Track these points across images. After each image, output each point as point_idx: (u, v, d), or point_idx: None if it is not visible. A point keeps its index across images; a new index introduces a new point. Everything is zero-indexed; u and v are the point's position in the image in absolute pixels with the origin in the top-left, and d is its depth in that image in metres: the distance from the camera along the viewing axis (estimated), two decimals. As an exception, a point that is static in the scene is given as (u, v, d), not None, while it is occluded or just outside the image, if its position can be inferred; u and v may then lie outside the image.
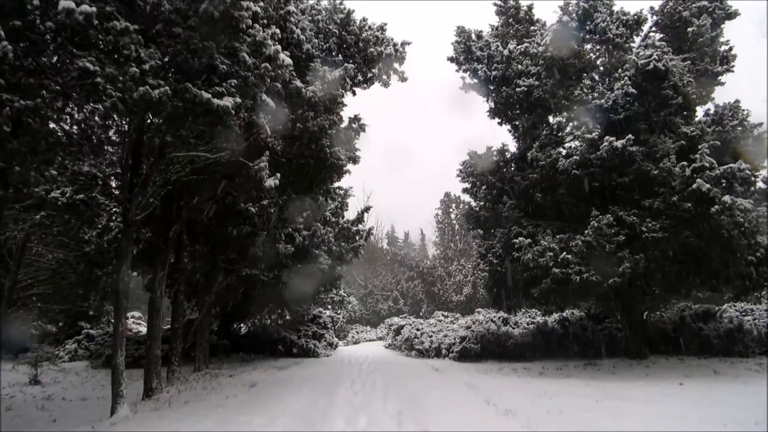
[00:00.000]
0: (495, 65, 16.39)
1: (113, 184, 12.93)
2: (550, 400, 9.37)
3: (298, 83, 10.35)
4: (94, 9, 6.43)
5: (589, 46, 16.22)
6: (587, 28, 15.59)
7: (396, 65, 13.03)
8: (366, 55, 12.58)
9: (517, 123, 17.28)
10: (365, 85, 13.08)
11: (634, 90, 13.96)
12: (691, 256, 13.52)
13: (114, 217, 14.70)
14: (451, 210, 53.40)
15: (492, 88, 16.75)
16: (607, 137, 13.55)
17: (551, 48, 15.15)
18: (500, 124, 17.50)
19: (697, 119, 15.03)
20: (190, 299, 19.32)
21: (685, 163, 13.00)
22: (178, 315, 14.07)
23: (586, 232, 13.36)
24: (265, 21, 8.97)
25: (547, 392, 10.15)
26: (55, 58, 7.18)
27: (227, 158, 9.42)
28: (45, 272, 16.51)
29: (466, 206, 21.65)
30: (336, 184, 15.17)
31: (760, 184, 13.86)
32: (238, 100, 7.80)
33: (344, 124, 12.71)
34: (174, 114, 7.53)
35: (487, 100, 17.27)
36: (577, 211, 15.12)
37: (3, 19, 6.34)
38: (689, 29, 15.19)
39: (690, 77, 14.16)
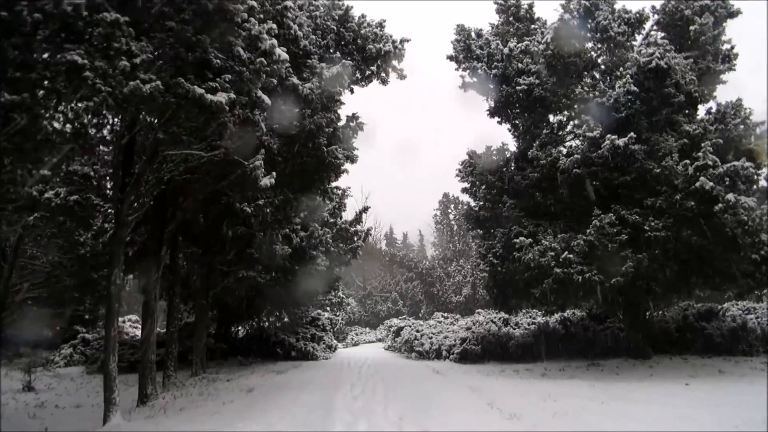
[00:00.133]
0: (495, 63, 16.19)
1: (108, 185, 12.71)
2: (554, 403, 9.16)
3: (295, 80, 10.12)
4: (83, -1, 6.22)
5: (590, 45, 16.06)
6: (588, 26, 15.41)
7: (395, 63, 12.81)
8: (364, 52, 12.37)
9: (517, 122, 17.09)
10: (363, 83, 12.86)
11: (636, 88, 13.79)
12: (694, 255, 13.36)
13: (109, 219, 14.44)
14: (449, 211, 53.24)
15: (492, 86, 16.55)
16: (608, 135, 13.37)
17: (552, 46, 14.98)
18: (500, 123, 17.31)
19: (699, 117, 14.89)
20: (187, 302, 19.08)
21: (687, 161, 12.84)
22: (174, 318, 13.80)
23: (588, 231, 13.19)
24: (262, 16, 8.74)
25: (551, 394, 9.93)
26: (46, 55, 6.94)
27: (222, 157, 9.18)
28: (39, 275, 16.24)
29: (465, 206, 21.49)
30: (334, 184, 14.95)
31: (762, 183, 13.71)
32: (233, 95, 7.56)
33: (342, 123, 12.48)
34: (166, 110, 7.29)
35: (487, 99, 17.09)
36: (579, 210, 14.95)
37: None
38: (691, 27, 15.00)
39: (692, 75, 14.00)
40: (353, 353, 24.30)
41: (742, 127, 14.68)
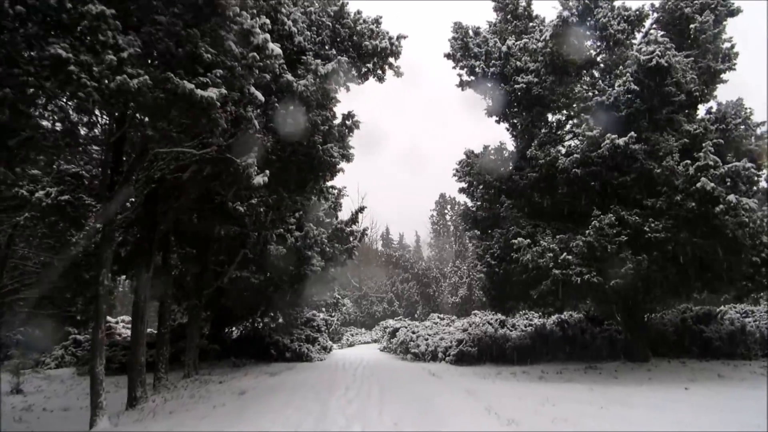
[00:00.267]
0: (493, 62, 15.99)
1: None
2: (553, 407, 8.96)
3: (289, 77, 9.88)
4: (67, -9, 5.98)
5: (589, 43, 15.85)
6: (588, 23, 15.20)
7: (392, 60, 12.54)
8: (360, 49, 12.11)
9: (515, 121, 16.87)
10: (360, 81, 12.60)
11: (636, 86, 13.59)
12: (694, 257, 13.16)
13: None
14: (446, 211, 53.24)
15: (490, 85, 16.34)
16: (608, 135, 13.18)
17: (551, 44, 14.78)
18: (498, 122, 17.08)
19: (699, 117, 14.69)
20: (181, 303, 18.86)
21: (688, 161, 12.63)
22: (165, 319, 13.58)
23: (587, 232, 12.99)
24: (255, 11, 8.53)
25: (549, 398, 9.72)
26: (30, 52, 6.69)
27: (214, 154, 8.95)
28: (31, 276, 15.98)
29: (463, 207, 21.27)
30: (329, 183, 14.70)
31: (762, 184, 13.55)
32: (224, 91, 7.32)
33: (338, 121, 12.24)
34: (154, 106, 7.04)
35: (485, 98, 16.86)
36: (578, 210, 14.74)
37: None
38: (691, 26, 14.81)
39: (693, 74, 13.82)
40: (348, 354, 24.10)
41: (742, 127, 14.53)
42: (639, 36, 15.82)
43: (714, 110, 14.91)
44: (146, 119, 8.02)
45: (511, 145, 17.57)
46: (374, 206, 36.92)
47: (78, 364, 19.04)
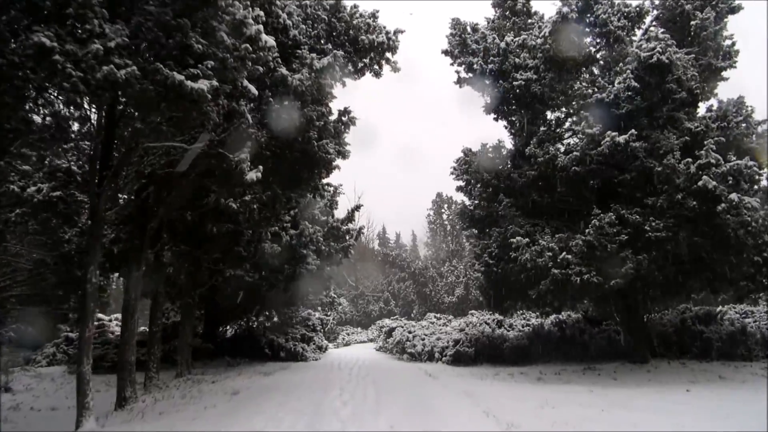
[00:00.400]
0: (491, 58, 15.75)
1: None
2: (553, 410, 8.77)
3: (284, 71, 9.64)
4: (50, -24, 5.74)
5: (588, 39, 15.65)
6: (587, 20, 15.00)
7: (389, 55, 12.29)
8: (357, 44, 11.88)
9: (513, 119, 16.67)
10: (356, 76, 12.36)
11: (636, 84, 13.43)
12: (695, 256, 12.99)
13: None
14: (443, 210, 53.03)
15: (488, 82, 16.09)
16: (608, 132, 13.00)
17: (550, 40, 14.59)
18: (496, 119, 16.85)
19: (700, 115, 14.51)
20: (174, 301, 18.61)
21: (690, 159, 12.45)
22: (157, 317, 13.34)
23: (587, 231, 12.81)
24: (248, 2, 8.29)
25: (548, 401, 9.52)
26: (13, 42, 6.44)
27: (205, 149, 8.71)
28: (22, 273, 15.75)
29: (460, 205, 21.08)
30: (325, 181, 14.46)
31: (764, 182, 13.38)
32: (216, 83, 7.08)
33: (334, 117, 11.99)
34: (143, 97, 6.79)
35: (483, 95, 16.63)
36: (577, 209, 14.58)
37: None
38: (692, 23, 14.65)
39: (694, 71, 13.64)
40: (344, 354, 23.89)
41: (744, 125, 14.39)
42: (639, 33, 15.66)
43: (715, 108, 14.77)
44: (135, 112, 7.77)
45: (509, 142, 17.43)
46: (371, 205, 36.86)
47: (69, 362, 18.77)
